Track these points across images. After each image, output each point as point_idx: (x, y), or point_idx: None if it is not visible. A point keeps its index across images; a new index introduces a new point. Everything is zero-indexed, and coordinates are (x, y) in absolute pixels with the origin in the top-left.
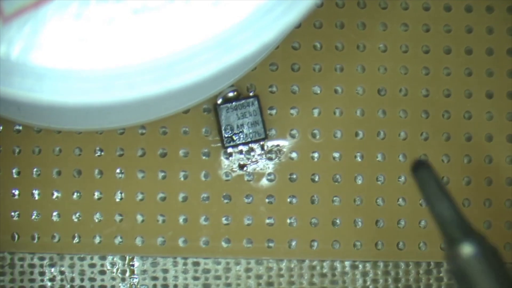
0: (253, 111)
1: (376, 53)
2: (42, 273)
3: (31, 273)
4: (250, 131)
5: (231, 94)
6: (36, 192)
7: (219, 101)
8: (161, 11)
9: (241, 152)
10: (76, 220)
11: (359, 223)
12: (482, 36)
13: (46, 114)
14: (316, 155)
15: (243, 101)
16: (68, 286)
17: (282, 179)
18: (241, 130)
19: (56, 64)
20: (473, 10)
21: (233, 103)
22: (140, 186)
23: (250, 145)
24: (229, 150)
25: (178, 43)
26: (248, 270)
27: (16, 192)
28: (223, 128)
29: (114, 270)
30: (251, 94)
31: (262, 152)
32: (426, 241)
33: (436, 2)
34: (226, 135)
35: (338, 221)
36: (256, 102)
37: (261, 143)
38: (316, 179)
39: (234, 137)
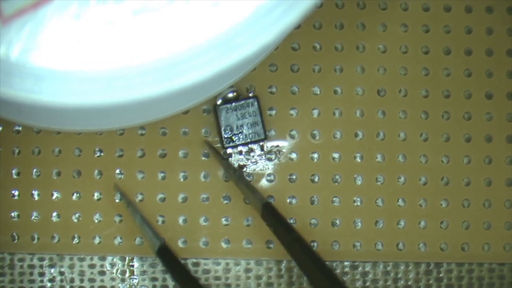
0: (252, 112)
1: (376, 53)
2: (41, 274)
3: (31, 273)
4: (250, 131)
5: (230, 95)
6: (35, 193)
7: (219, 102)
8: (161, 12)
9: (240, 152)
10: (75, 220)
11: (359, 223)
12: (481, 37)
13: (46, 115)
14: (315, 155)
15: (243, 101)
16: (68, 286)
17: (281, 179)
18: (240, 130)
19: (55, 65)
20: (473, 11)
21: (233, 103)
22: (140, 187)
23: (249, 145)
24: (229, 150)
25: (177, 44)
26: (247, 270)
27: (16, 193)
28: (222, 128)
29: (114, 270)
30: (250, 95)
31: (262, 152)
32: (426, 241)
33: (436, 2)
34: (226, 136)
35: (337, 221)
36: (255, 103)
37: (261, 144)
38: (316, 179)
39: (234, 138)
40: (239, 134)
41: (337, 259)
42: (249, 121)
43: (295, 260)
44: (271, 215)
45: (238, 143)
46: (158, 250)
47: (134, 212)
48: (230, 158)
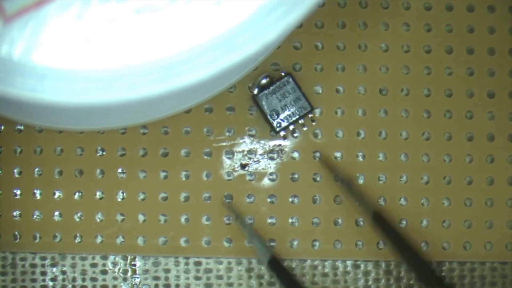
0: (291, 89)
1: (378, 52)
2: (43, 273)
3: (33, 272)
4: (295, 108)
5: (264, 81)
6: (37, 192)
7: (256, 91)
8: (163, 12)
9: (293, 132)
10: (77, 219)
11: (361, 222)
12: (483, 36)
13: (48, 114)
14: (318, 154)
15: (279, 82)
16: (70, 286)
17: (283, 178)
18: (286, 110)
19: (57, 64)
20: (475, 10)
21: (270, 88)
22: (142, 186)
23: (299, 121)
24: (282, 133)
25: (179, 44)
26: (249, 270)
27: (18, 192)
28: (268, 115)
29: (116, 269)
30: (283, 74)
31: (264, 151)
32: (428, 240)
33: (438, 1)
34: (275, 121)
35: (339, 220)
36: (291, 79)
37: (310, 115)
38: (318, 178)
39: (283, 120)
40: (286, 115)
41: (339, 258)
42: (291, 98)
43: (407, 265)
44: (381, 223)
45: (288, 123)
46: (269, 261)
47: (244, 225)
48: (232, 157)
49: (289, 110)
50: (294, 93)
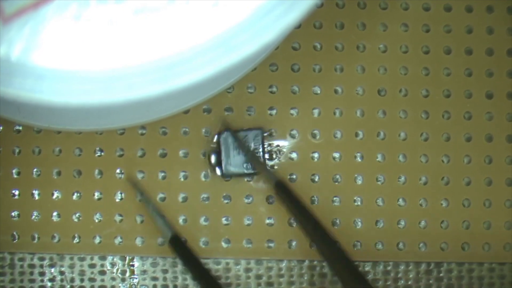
0: (233, 140)
1: (376, 53)
2: (42, 273)
3: (31, 273)
4: (253, 144)
5: (214, 157)
6: (36, 192)
7: (219, 172)
8: (162, 12)
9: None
10: (76, 220)
11: (359, 223)
12: (482, 37)
13: (46, 114)
14: (316, 155)
15: (223, 146)
16: (68, 286)
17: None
18: (250, 151)
19: (56, 65)
20: (473, 10)
21: (222, 155)
22: (140, 187)
23: (264, 148)
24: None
25: (178, 44)
26: (248, 270)
27: (16, 192)
28: (246, 171)
29: (114, 270)
30: (215, 139)
31: (262, 152)
32: (426, 241)
33: (436, 2)
34: (251, 169)
35: (337, 221)
36: (224, 134)
37: (265, 134)
38: (316, 179)
39: (260, 157)
40: (255, 151)
41: None
42: (241, 144)
43: (309, 237)
44: (284, 194)
45: (261, 153)
46: (170, 239)
47: (148, 203)
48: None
49: (251, 147)
50: (237, 139)
